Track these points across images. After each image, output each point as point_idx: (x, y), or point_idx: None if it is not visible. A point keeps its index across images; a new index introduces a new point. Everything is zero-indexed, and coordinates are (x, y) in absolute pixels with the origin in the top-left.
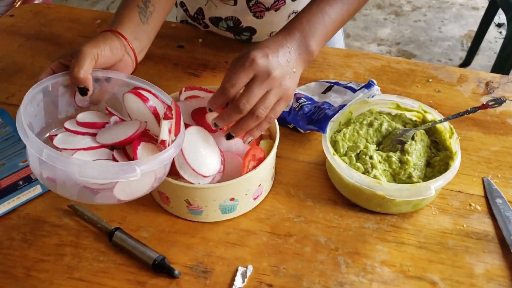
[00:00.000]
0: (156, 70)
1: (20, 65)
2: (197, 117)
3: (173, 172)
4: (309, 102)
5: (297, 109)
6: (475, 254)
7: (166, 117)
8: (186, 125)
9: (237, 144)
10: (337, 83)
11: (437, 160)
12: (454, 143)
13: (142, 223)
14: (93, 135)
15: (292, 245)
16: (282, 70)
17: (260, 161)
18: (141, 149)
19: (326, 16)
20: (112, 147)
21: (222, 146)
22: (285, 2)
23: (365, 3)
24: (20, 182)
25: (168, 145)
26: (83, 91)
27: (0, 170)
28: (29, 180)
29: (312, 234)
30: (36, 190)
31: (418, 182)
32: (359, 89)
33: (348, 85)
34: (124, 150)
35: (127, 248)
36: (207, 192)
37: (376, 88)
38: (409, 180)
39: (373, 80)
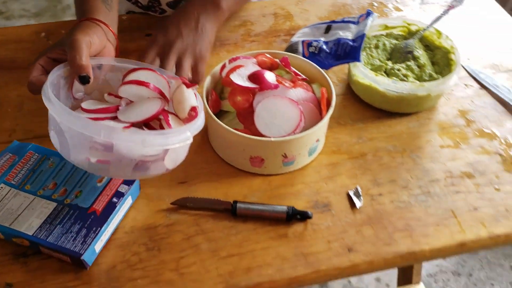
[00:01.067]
0: None
1: None
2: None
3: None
4: (323, 43)
5: (316, 52)
6: None
7: (188, 86)
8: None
9: (300, 92)
10: (332, 22)
11: (438, 57)
12: (445, 41)
13: (243, 192)
14: (113, 118)
15: (371, 160)
16: (183, 37)
17: (328, 102)
18: (172, 120)
19: None
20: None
21: (291, 96)
22: None
23: None
24: (114, 199)
25: (199, 111)
26: (85, 79)
27: (84, 198)
28: (121, 195)
29: (380, 146)
30: (128, 201)
31: (438, 78)
32: (361, 19)
33: (345, 20)
34: (147, 126)
35: (255, 212)
36: (302, 140)
37: (375, 15)
38: (431, 78)
39: (369, 9)
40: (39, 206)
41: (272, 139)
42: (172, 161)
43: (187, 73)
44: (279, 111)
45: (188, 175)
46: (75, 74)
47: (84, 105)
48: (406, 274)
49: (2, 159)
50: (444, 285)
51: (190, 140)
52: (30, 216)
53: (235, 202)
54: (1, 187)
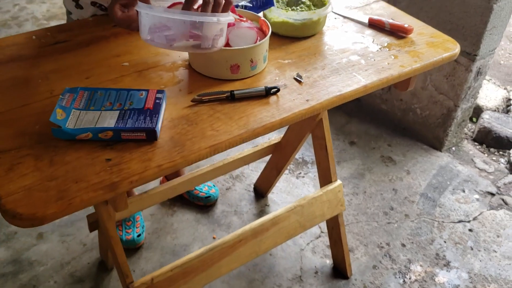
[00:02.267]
0: (128, 41)
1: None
2: None
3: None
4: (249, 4)
5: (244, 7)
6: None
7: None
8: None
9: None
10: None
11: (316, 1)
12: None
13: (232, 89)
14: None
15: (298, 60)
16: None
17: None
18: None
19: None
20: None
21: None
22: None
23: None
24: (157, 101)
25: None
26: None
27: (137, 103)
28: (159, 98)
29: (301, 54)
30: (164, 103)
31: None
32: None
33: None
34: None
35: (245, 94)
36: (260, 47)
37: None
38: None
39: None
40: (108, 114)
41: (245, 46)
42: (221, 41)
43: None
44: (244, 34)
45: (192, 90)
46: None
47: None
48: (325, 175)
49: (64, 97)
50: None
51: (232, 19)
52: (105, 120)
53: (232, 90)
54: (73, 112)
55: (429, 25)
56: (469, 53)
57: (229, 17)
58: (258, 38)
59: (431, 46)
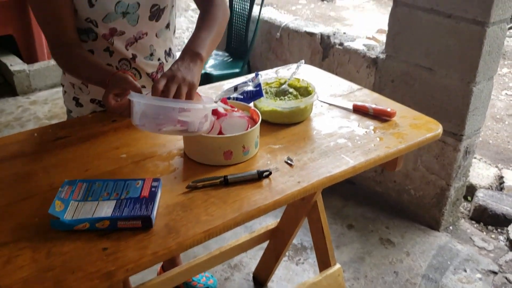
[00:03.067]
0: (126, 134)
1: None
2: None
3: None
4: (240, 96)
5: (235, 99)
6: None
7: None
8: None
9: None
10: (237, 84)
11: (302, 91)
12: (303, 82)
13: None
14: None
15: (290, 145)
16: (182, 72)
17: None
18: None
19: (204, 35)
20: None
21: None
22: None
23: (225, 26)
24: (153, 189)
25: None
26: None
27: (133, 193)
28: (155, 186)
29: (291, 139)
30: (159, 191)
31: None
32: (253, 79)
33: (244, 82)
34: None
35: (239, 179)
36: (251, 134)
37: (261, 74)
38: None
39: (257, 72)
40: (105, 204)
41: (237, 134)
42: (206, 126)
43: (183, 98)
44: (236, 122)
45: (187, 177)
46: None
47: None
48: (324, 259)
49: (63, 190)
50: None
51: (215, 106)
52: (102, 210)
53: (226, 176)
54: (72, 203)
55: (414, 109)
56: (455, 134)
57: (212, 104)
58: (249, 125)
59: (414, 127)
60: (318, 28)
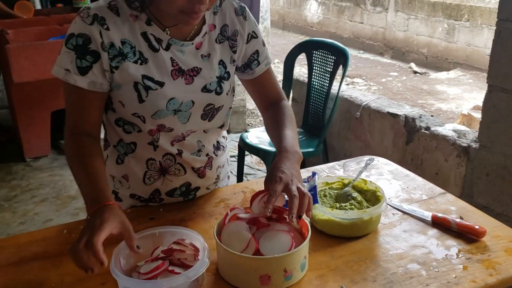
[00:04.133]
0: None
1: None
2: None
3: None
4: None
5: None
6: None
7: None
8: None
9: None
10: None
11: (369, 196)
12: (370, 185)
13: None
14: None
15: (345, 269)
16: (292, 174)
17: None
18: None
19: (292, 134)
20: None
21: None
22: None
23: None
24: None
25: None
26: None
27: None
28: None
29: (349, 259)
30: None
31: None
32: (309, 179)
33: None
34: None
35: None
36: (296, 255)
37: (318, 174)
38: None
39: (313, 171)
40: None
41: (276, 255)
42: None
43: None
44: (277, 238)
45: None
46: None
47: (142, 270)
48: None
49: None
50: None
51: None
52: None
53: None
54: None
55: None
56: None
57: (197, 274)
58: (294, 243)
59: (511, 253)
60: (402, 109)
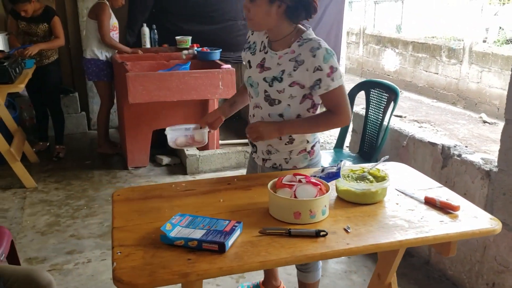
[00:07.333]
0: (233, 193)
1: None
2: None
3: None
4: (323, 175)
5: (319, 177)
6: None
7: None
8: None
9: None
10: (324, 167)
11: (379, 180)
12: (381, 172)
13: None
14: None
15: (355, 220)
16: (258, 125)
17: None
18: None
19: (301, 125)
20: None
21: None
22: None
23: (329, 128)
24: (234, 227)
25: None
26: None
27: (220, 227)
28: (236, 226)
29: (358, 215)
30: (238, 231)
31: None
32: (337, 164)
33: (331, 166)
34: None
35: (301, 233)
36: (319, 201)
37: (344, 162)
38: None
39: (341, 159)
40: (198, 231)
41: (306, 199)
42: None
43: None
44: (308, 190)
45: (263, 225)
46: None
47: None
48: None
49: (175, 218)
50: None
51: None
52: (195, 234)
53: (289, 229)
54: (177, 227)
55: None
56: None
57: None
58: (319, 193)
59: (474, 220)
60: (441, 140)
